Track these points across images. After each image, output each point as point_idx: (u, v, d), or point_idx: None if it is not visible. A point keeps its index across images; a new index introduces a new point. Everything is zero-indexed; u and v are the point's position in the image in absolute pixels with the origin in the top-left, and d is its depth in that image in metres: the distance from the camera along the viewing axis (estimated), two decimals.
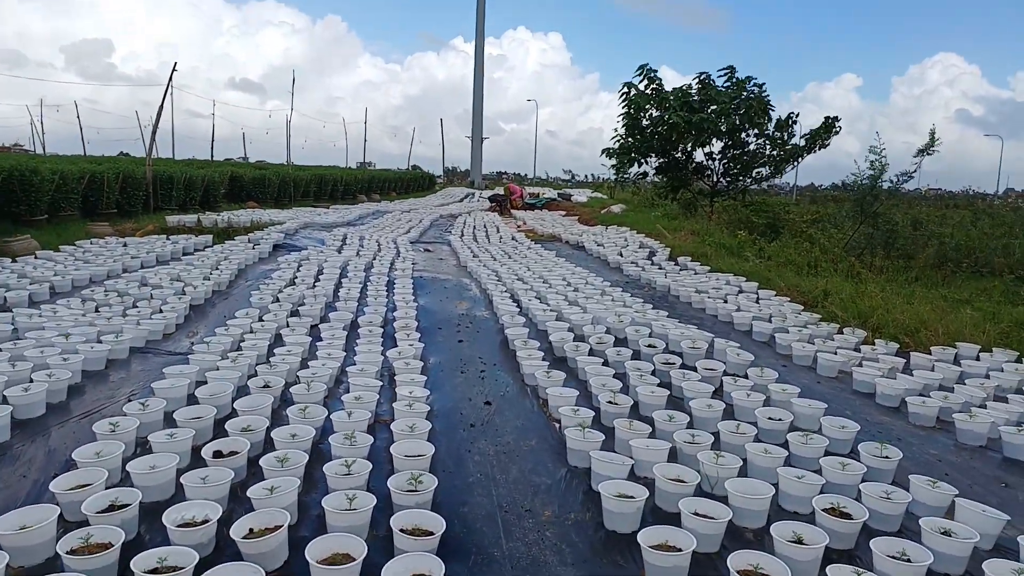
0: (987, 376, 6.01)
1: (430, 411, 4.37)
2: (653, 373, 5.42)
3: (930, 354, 6.63)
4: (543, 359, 5.70)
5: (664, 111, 20.13)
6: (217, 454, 3.62)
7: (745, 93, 20.41)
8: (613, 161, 22.91)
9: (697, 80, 21.28)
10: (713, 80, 21.24)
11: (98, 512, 2.97)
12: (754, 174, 20.47)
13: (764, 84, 20.09)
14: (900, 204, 13.95)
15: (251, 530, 2.88)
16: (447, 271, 11.21)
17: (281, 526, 2.86)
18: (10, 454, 3.78)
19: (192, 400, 4.51)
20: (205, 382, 4.71)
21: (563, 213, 24.63)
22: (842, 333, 7.37)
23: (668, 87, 20.77)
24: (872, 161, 12.40)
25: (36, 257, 10.00)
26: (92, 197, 14.48)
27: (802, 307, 8.47)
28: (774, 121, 20.06)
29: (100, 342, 5.61)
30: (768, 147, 20.03)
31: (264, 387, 4.65)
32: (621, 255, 12.91)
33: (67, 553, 2.65)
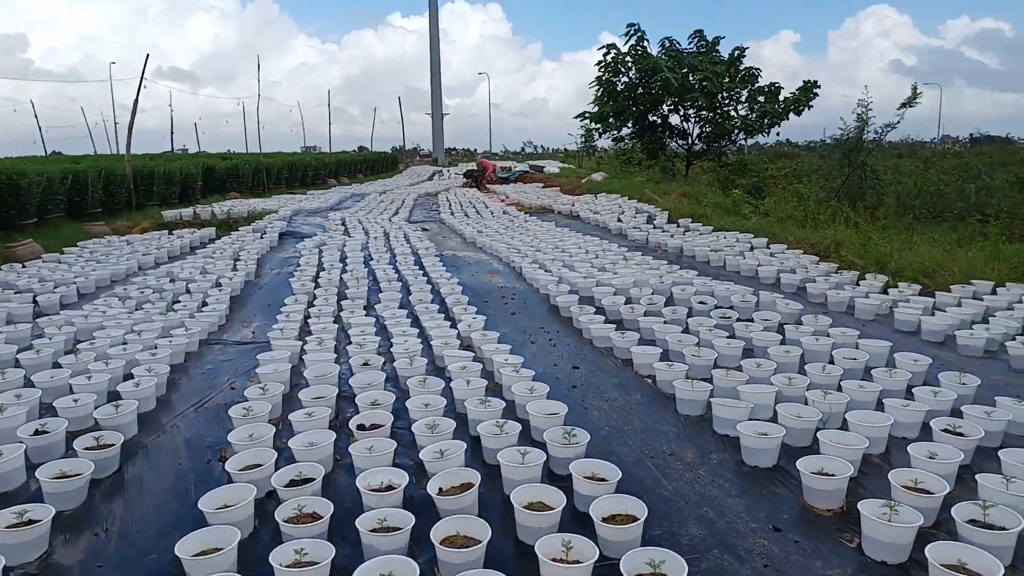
0: (1011, 308, 6.44)
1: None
2: (715, 327, 5.70)
3: (950, 292, 7.06)
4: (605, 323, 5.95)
5: (646, 73, 20.36)
6: (360, 427, 3.78)
7: (716, 54, 20.84)
8: (593, 124, 23.09)
9: (662, 45, 21.59)
10: (678, 43, 21.60)
11: (285, 487, 3.11)
12: (734, 138, 20.94)
13: (747, 49, 20.51)
14: (876, 154, 14.46)
15: (440, 489, 3.06)
16: (458, 248, 11.33)
17: (470, 484, 3.05)
18: (152, 446, 3.86)
19: (297, 382, 4.63)
20: (299, 366, 4.84)
21: (540, 185, 24.78)
22: (864, 279, 7.76)
23: (616, 49, 21.14)
24: (859, 114, 12.88)
25: (44, 261, 9.81)
26: (76, 197, 14.15)
27: (817, 258, 8.85)
28: (756, 87, 20.58)
29: (171, 337, 5.63)
30: (750, 112, 20.49)
31: (364, 365, 4.79)
32: (620, 221, 13.18)
33: (285, 521, 2.80)
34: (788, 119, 20.73)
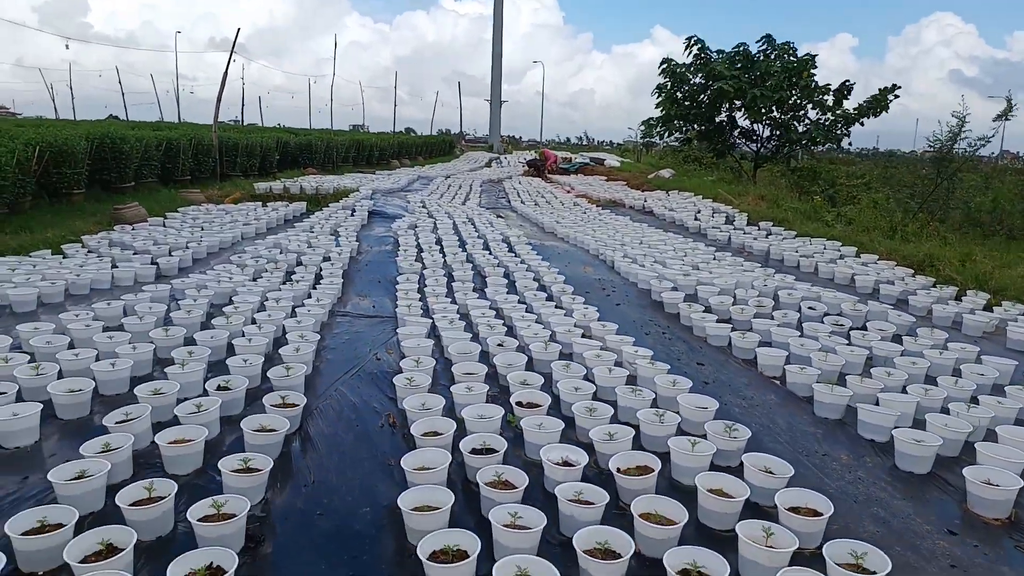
0: None
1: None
2: (831, 334, 5.78)
3: None
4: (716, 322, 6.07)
5: (711, 78, 20.25)
6: (519, 404, 3.99)
7: (795, 63, 20.48)
8: (658, 128, 23.03)
9: (736, 51, 21.33)
10: (750, 49, 21.27)
11: (469, 453, 3.33)
12: (804, 143, 20.63)
13: (816, 56, 20.17)
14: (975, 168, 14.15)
15: (619, 468, 3.25)
16: (540, 237, 11.48)
17: (649, 467, 3.23)
18: (323, 408, 4.12)
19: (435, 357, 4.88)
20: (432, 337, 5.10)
21: (603, 178, 24.77)
22: (965, 295, 7.69)
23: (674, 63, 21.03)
24: (953, 125, 12.66)
25: (150, 224, 10.28)
26: (168, 164, 14.70)
27: (912, 271, 8.80)
28: (831, 92, 20.20)
29: (307, 307, 5.92)
30: (822, 117, 20.14)
31: (499, 345, 5.01)
32: (697, 220, 13.19)
33: (486, 484, 3.02)
34: (863, 124, 20.37)
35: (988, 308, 7.22)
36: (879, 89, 20.09)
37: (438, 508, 2.84)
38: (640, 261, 8.74)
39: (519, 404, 3.99)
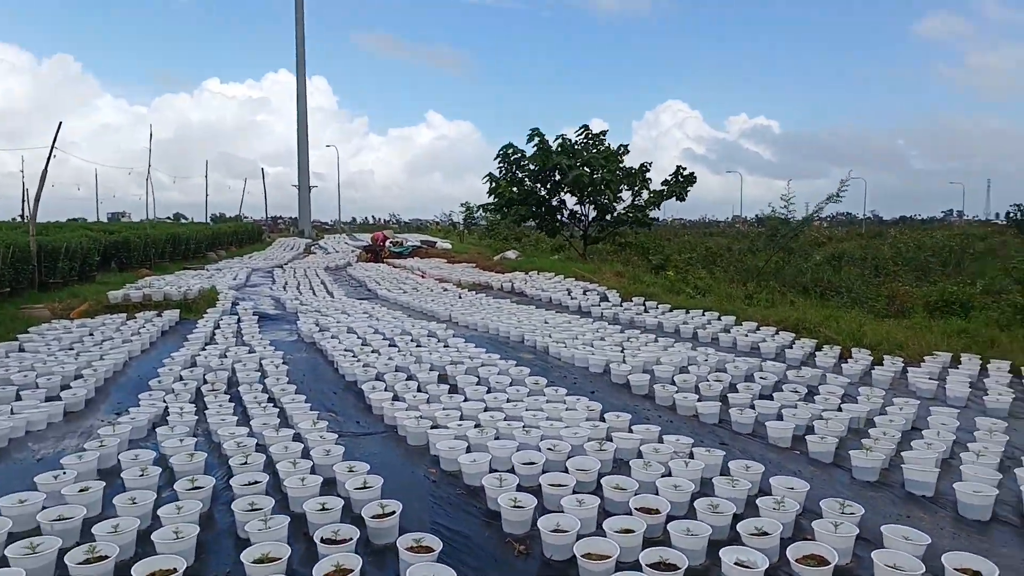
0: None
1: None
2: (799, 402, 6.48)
3: (926, 363, 8.38)
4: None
5: (550, 166, 21.88)
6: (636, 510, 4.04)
7: (603, 147, 22.90)
8: (497, 211, 24.14)
9: (562, 138, 23.34)
10: (571, 141, 23.36)
11: (584, 555, 3.34)
12: (627, 225, 22.77)
13: (628, 145, 22.73)
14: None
15: (739, 562, 3.45)
16: (444, 326, 11.42)
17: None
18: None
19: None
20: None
21: (443, 260, 25.07)
22: (851, 353, 8.95)
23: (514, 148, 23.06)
24: (785, 205, 14.86)
25: (7, 351, 8.73)
26: None
27: (793, 335, 10.04)
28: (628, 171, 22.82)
29: (319, 433, 5.44)
30: (637, 198, 22.50)
31: (549, 449, 4.99)
32: (573, 298, 13.90)
33: (650, 567, 3.06)
34: (672, 200, 23.07)
35: (880, 362, 8.45)
36: (679, 172, 22.90)
37: None
38: (568, 344, 9.08)
39: (637, 510, 4.04)
